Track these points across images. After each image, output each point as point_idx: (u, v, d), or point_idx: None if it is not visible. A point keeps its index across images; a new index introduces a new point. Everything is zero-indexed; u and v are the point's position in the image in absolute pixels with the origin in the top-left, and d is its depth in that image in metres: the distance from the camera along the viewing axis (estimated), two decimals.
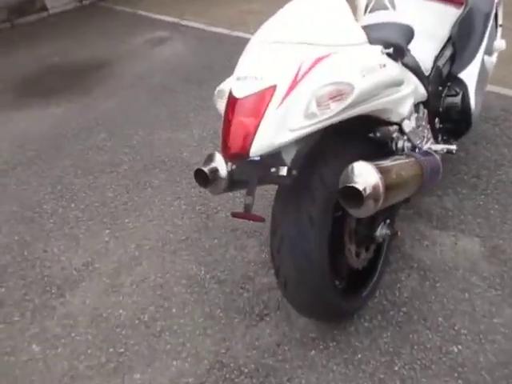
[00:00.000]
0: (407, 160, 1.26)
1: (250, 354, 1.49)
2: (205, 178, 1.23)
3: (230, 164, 1.21)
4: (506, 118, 2.54)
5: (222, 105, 1.24)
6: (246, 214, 1.12)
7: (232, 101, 1.07)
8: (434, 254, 1.78)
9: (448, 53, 1.74)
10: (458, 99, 1.72)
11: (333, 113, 1.07)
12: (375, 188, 1.03)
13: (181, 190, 2.30)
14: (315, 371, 1.42)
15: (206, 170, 1.23)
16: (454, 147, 1.49)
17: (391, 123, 1.33)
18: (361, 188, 1.02)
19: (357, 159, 1.12)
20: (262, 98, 1.03)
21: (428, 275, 1.69)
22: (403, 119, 1.35)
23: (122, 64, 3.86)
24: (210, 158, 1.27)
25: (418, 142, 1.43)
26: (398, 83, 1.26)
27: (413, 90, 1.38)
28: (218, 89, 1.30)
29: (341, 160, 1.25)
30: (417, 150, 1.41)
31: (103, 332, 1.63)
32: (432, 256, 1.77)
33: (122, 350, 1.56)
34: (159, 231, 2.05)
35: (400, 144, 1.37)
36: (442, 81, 1.73)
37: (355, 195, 1.02)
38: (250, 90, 1.05)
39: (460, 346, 1.44)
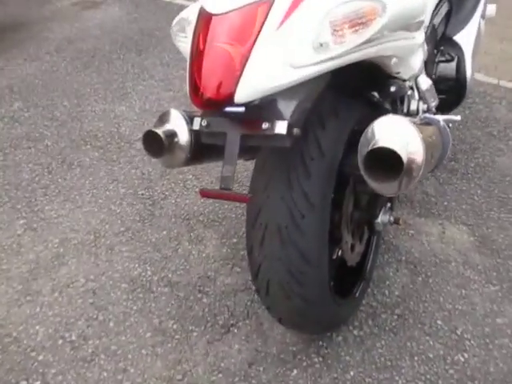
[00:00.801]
0: (427, 124, 0.98)
1: (215, 379, 1.16)
2: (159, 144, 0.86)
3: (197, 121, 0.85)
4: (474, 101, 2.46)
5: (183, 43, 0.88)
6: (225, 192, 0.77)
7: (205, 20, 0.72)
8: (422, 244, 1.58)
9: (444, 10, 1.49)
10: (452, 66, 1.49)
11: (350, 45, 0.75)
12: (415, 154, 0.72)
13: (118, 170, 1.89)
14: None
15: (160, 132, 0.86)
16: (457, 118, 1.24)
17: (401, 79, 1.04)
18: (400, 151, 0.70)
19: (360, 123, 0.83)
20: (253, 16, 0.70)
21: (419, 270, 1.49)
22: (415, 76, 1.06)
23: (45, 26, 3.28)
24: (164, 118, 0.92)
25: (433, 105, 1.15)
26: (420, 23, 0.98)
27: (423, 41, 1.11)
28: (177, 18, 0.93)
29: (341, 123, 0.95)
30: (427, 115, 1.14)
31: (12, 358, 1.21)
32: (420, 247, 1.57)
33: (38, 383, 1.15)
34: (91, 221, 1.64)
35: (414, 105, 1.08)
36: (436, 43, 1.48)
37: (388, 162, 0.71)
38: (233, 2, 0.70)
39: (466, 354, 1.24)
